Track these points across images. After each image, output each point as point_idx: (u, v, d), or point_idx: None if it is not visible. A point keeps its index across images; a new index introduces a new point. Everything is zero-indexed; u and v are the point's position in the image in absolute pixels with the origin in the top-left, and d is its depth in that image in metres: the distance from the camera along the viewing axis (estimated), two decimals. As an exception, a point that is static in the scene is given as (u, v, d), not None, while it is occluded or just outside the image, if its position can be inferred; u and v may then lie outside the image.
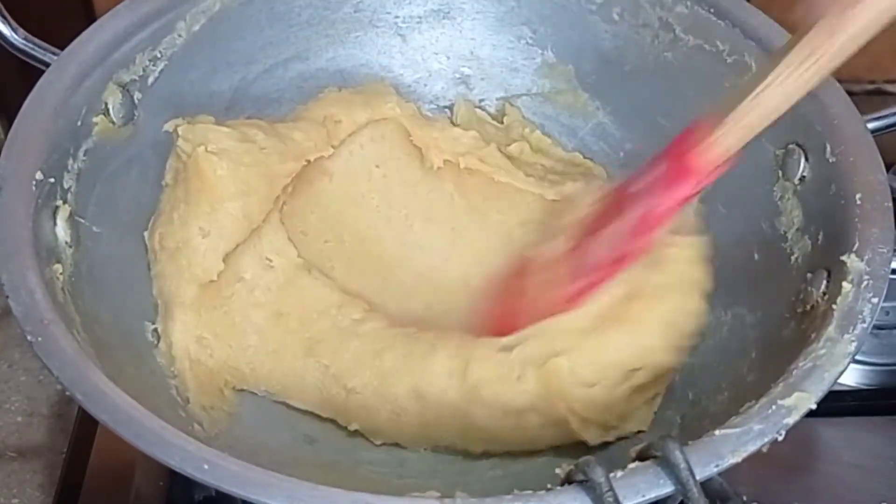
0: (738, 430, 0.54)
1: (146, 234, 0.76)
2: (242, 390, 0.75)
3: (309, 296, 0.76)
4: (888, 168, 0.68)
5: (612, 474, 0.50)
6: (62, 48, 0.73)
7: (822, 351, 0.58)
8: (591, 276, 0.71)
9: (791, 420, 0.54)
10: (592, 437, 0.71)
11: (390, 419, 0.72)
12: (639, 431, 0.72)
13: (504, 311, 0.76)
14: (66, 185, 0.68)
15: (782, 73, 0.59)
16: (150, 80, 0.77)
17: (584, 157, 0.89)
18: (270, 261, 0.76)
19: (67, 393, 0.54)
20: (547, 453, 0.73)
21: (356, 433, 0.73)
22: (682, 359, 0.72)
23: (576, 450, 0.71)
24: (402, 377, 0.71)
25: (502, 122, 0.91)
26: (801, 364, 0.58)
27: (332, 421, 0.74)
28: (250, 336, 0.75)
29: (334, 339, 0.74)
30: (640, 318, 0.71)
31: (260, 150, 0.79)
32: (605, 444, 0.72)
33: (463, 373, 0.70)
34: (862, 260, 0.63)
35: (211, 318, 0.74)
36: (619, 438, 0.72)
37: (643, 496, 0.50)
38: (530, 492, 0.51)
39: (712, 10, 0.80)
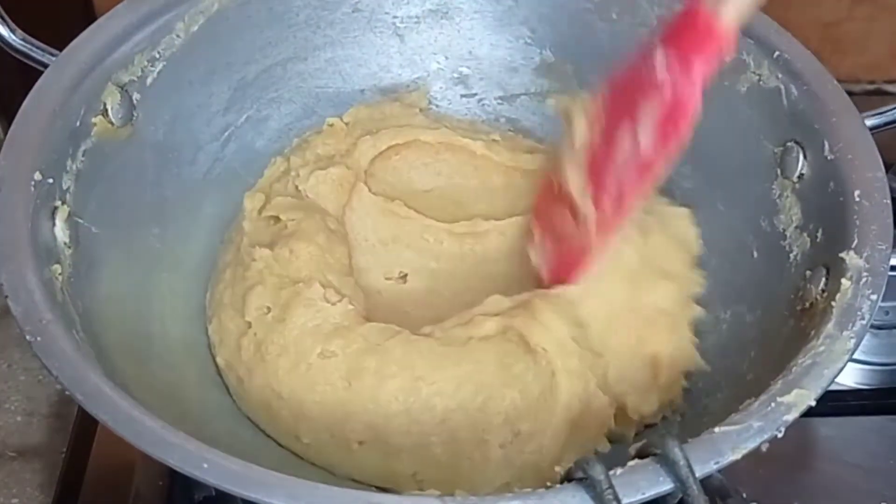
0: (737, 427, 0.54)
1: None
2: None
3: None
4: (887, 167, 0.68)
5: (611, 472, 0.50)
6: (61, 49, 0.73)
7: (822, 348, 0.58)
8: (622, 191, 0.68)
9: (791, 417, 0.54)
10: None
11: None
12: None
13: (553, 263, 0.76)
14: (64, 186, 0.68)
15: None
16: (149, 80, 0.77)
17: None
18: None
19: (67, 393, 0.54)
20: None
21: None
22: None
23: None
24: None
25: None
26: (800, 361, 0.58)
27: None
28: None
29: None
30: None
31: None
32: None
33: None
34: (861, 257, 0.63)
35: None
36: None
37: (643, 494, 0.50)
38: (530, 489, 0.51)
39: (710, 9, 0.80)
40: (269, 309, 0.74)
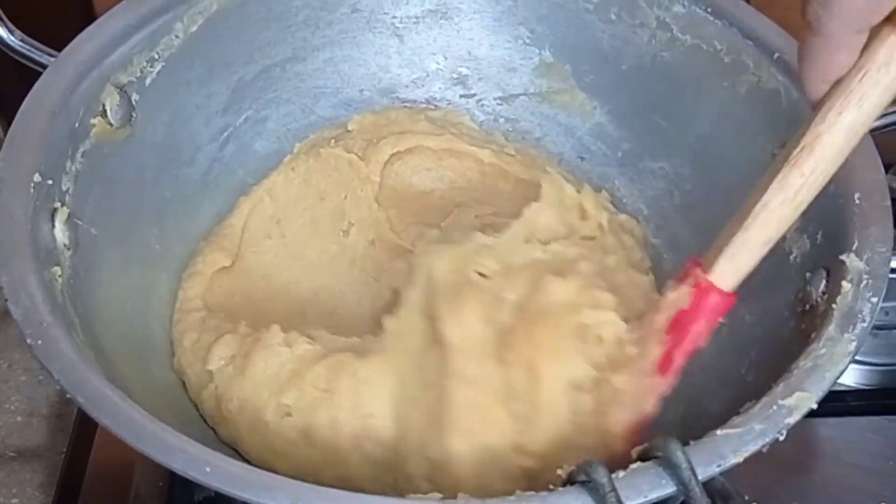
0: (739, 429, 0.54)
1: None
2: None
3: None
4: (887, 168, 0.68)
5: (614, 475, 0.50)
6: (61, 49, 0.72)
7: (823, 350, 0.58)
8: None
9: (792, 420, 0.54)
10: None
11: None
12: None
13: None
14: (64, 187, 0.68)
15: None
16: (148, 81, 0.77)
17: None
18: None
19: (68, 396, 0.54)
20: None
21: None
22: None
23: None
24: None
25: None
26: (801, 363, 0.58)
27: None
28: None
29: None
30: None
31: None
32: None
33: None
34: (861, 259, 0.63)
35: None
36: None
37: (645, 496, 0.50)
38: (532, 492, 0.51)
39: (709, 10, 0.80)
40: (232, 358, 0.69)
